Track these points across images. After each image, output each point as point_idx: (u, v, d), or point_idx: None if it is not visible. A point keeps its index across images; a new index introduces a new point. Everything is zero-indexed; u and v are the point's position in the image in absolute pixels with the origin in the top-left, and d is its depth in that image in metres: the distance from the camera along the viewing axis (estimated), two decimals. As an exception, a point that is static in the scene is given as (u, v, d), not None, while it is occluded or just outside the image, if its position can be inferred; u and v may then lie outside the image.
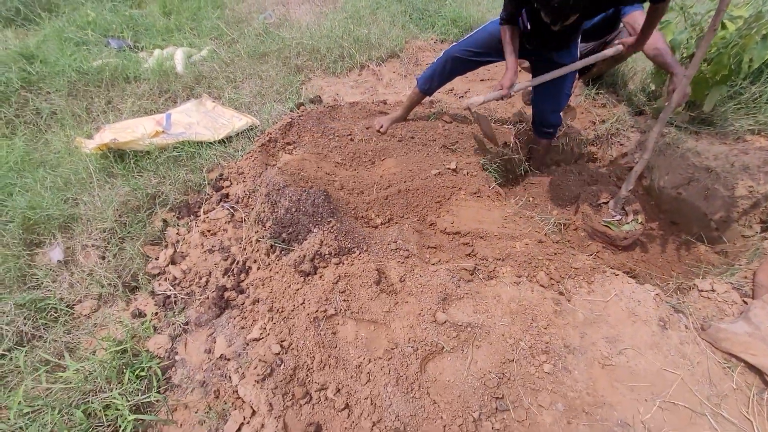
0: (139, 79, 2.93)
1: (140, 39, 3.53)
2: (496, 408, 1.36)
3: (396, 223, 1.99)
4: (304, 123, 2.53)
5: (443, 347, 1.47)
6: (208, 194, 2.13)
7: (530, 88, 2.43)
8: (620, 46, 2.05)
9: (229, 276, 1.81)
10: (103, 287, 1.71)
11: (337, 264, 1.71)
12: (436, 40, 3.71)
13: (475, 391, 1.37)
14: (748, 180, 2.22)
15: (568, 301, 1.61)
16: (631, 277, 1.95)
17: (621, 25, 2.48)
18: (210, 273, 1.82)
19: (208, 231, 1.97)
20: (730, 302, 1.60)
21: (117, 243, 1.85)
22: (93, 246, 1.82)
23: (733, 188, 2.25)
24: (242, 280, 1.80)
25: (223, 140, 2.41)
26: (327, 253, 1.74)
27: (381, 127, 2.48)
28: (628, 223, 2.20)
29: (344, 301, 1.57)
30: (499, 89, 2.12)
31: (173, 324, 1.60)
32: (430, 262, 1.80)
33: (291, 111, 2.70)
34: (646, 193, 2.63)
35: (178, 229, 1.98)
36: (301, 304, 1.59)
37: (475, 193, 2.12)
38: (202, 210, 2.06)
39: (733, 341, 1.45)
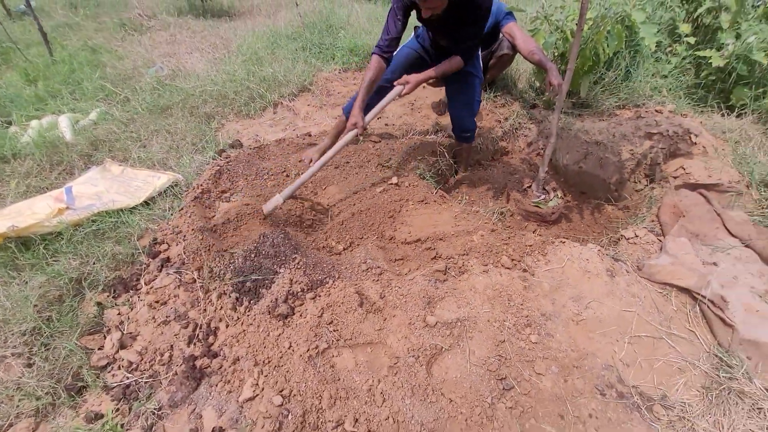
0: (19, 156, 2.58)
1: (6, 113, 3.12)
2: (503, 388, 1.46)
3: (358, 245, 2.03)
4: (234, 168, 2.47)
5: (442, 347, 1.54)
6: (145, 263, 1.95)
7: (445, 100, 2.73)
8: (399, 88, 2.33)
9: (195, 343, 1.66)
10: (39, 399, 1.45)
11: (314, 298, 1.70)
12: (340, 70, 3.92)
13: (482, 378, 1.47)
14: (628, 145, 2.73)
15: (532, 275, 1.81)
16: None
17: (501, 35, 2.95)
18: (171, 346, 1.65)
19: (157, 302, 1.80)
20: (650, 242, 1.95)
21: (45, 343, 1.59)
22: (14, 355, 1.54)
23: (619, 154, 2.75)
24: (212, 344, 1.67)
25: (146, 203, 2.23)
26: (300, 290, 1.72)
27: (311, 161, 2.54)
28: (551, 200, 2.54)
29: (334, 331, 1.56)
30: (351, 130, 2.30)
31: (143, 414, 1.42)
32: (402, 274, 1.87)
33: (214, 159, 2.61)
34: (555, 172, 3.07)
35: (118, 310, 1.78)
36: (289, 348, 1.54)
37: (422, 201, 2.27)
38: (142, 281, 1.88)
39: (662, 272, 1.76)
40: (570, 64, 2.05)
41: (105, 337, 1.66)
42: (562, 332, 1.59)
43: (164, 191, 2.32)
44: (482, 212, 2.31)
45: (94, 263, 1.87)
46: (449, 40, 2.23)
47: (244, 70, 3.56)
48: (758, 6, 2.88)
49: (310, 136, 2.91)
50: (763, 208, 2.17)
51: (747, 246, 1.91)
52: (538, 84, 3.31)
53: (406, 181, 2.40)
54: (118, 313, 1.74)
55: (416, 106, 3.36)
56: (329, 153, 2.15)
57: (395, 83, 2.29)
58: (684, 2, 3.24)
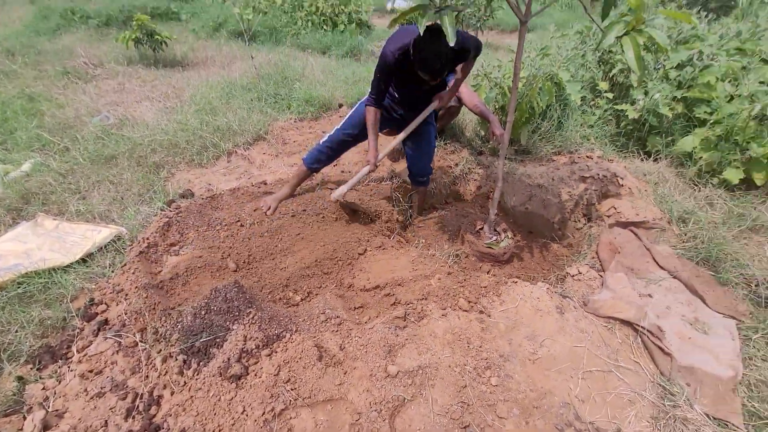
0: (-65, 213, 2.34)
1: None
2: (468, 437, 1.45)
3: (317, 294, 2.01)
4: (184, 219, 2.39)
5: (404, 398, 1.52)
6: (79, 327, 1.79)
7: (399, 148, 2.87)
8: (436, 102, 2.65)
9: (134, 416, 1.52)
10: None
11: (270, 354, 1.63)
12: (296, 119, 4.03)
13: (446, 428, 1.45)
14: (566, 187, 2.98)
15: (489, 316, 1.87)
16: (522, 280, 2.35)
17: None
18: (106, 422, 1.50)
19: (91, 371, 1.65)
20: (592, 278, 2.10)
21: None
22: None
23: (559, 195, 3.00)
24: (154, 415, 1.54)
25: (83, 260, 2.08)
26: (254, 347, 1.65)
27: (269, 208, 2.53)
28: (503, 240, 2.68)
29: (292, 390, 1.50)
30: (366, 166, 2.54)
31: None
32: (362, 322, 1.86)
33: (162, 210, 2.52)
34: (504, 213, 3.26)
35: (43, 384, 1.60)
36: (242, 413, 1.45)
37: (380, 247, 2.31)
38: (74, 348, 1.71)
39: (605, 307, 1.89)
40: (509, 117, 2.27)
41: (26, 418, 1.46)
42: (521, 372, 1.63)
43: (105, 246, 2.18)
44: (438, 255, 2.38)
45: (16, 331, 1.68)
46: (430, 93, 2.57)
47: (197, 120, 3.55)
48: (659, 69, 3.37)
49: (265, 184, 2.91)
50: (683, 241, 2.43)
51: (674, 277, 2.11)
52: (483, 133, 3.61)
53: (363, 228, 2.44)
54: (43, 388, 1.55)
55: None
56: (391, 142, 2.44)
57: (433, 98, 2.61)
58: (600, 63, 3.73)
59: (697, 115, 3.17)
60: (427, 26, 1.88)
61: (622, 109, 3.44)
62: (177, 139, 3.25)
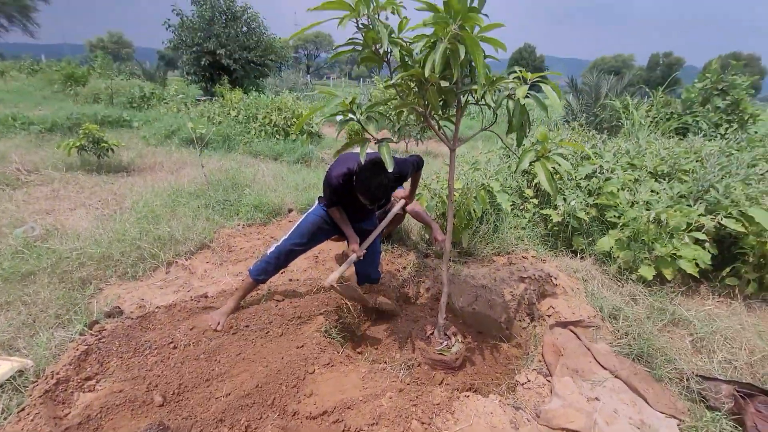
0: None
1: None
2: None
3: (256, 428, 1.82)
4: (106, 345, 2.16)
5: None
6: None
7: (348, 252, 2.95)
8: (402, 201, 3.04)
9: None
10: None
11: None
12: (244, 225, 4.05)
13: None
14: (508, 288, 3.15)
15: (444, 439, 1.78)
16: (474, 392, 2.31)
17: (393, 198, 3.47)
18: None
19: None
20: (542, 385, 2.12)
21: None
22: None
23: (503, 295, 3.14)
24: None
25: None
26: None
27: (218, 324, 2.38)
28: (453, 345, 2.68)
29: None
30: (352, 255, 2.65)
31: None
32: (307, 460, 1.68)
33: (82, 334, 2.28)
34: (453, 314, 3.31)
35: None
36: None
37: (327, 365, 2.21)
38: None
39: (557, 417, 1.89)
40: (448, 226, 2.46)
41: None
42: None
43: (2, 386, 1.87)
44: (389, 368, 2.31)
45: None
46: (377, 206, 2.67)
47: (136, 229, 3.43)
48: (571, 180, 3.90)
49: (206, 297, 2.76)
50: (617, 338, 2.58)
51: (615, 376, 2.19)
52: (428, 236, 3.84)
53: (310, 343, 2.34)
54: None
55: (320, 258, 3.52)
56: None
57: (395, 196, 2.80)
58: (524, 174, 4.27)
59: (608, 219, 3.62)
60: (368, 157, 2.11)
61: (547, 214, 3.88)
62: (111, 251, 3.08)
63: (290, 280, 3.14)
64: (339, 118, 1.88)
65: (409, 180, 2.82)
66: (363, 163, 1.99)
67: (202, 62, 14.33)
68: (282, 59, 17.23)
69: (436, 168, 6.19)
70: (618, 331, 2.62)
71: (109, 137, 5.86)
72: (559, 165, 2.17)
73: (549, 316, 2.85)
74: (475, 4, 1.84)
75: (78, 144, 5.29)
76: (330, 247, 3.72)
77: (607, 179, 3.94)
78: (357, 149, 2.10)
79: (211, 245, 3.50)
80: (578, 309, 2.79)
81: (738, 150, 4.45)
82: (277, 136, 8.16)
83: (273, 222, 4.14)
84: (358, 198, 2.32)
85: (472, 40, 1.72)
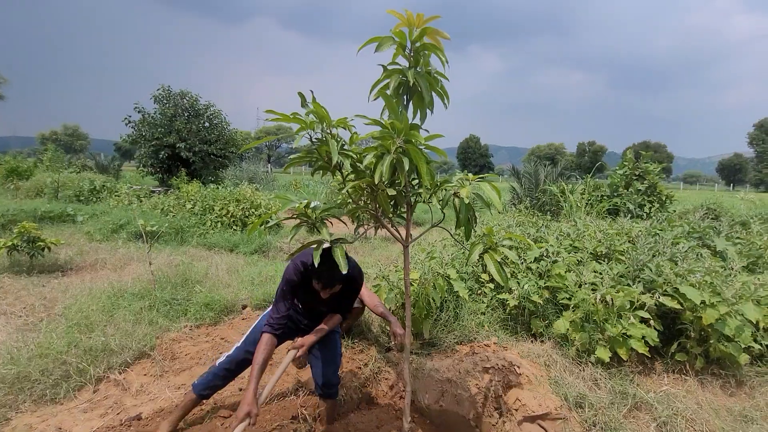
0: None
1: None
2: None
3: None
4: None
5: None
6: None
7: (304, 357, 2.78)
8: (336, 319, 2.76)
9: None
10: None
11: None
12: (192, 327, 3.76)
13: None
14: (473, 380, 3.05)
15: None
16: None
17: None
18: None
19: None
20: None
21: None
22: None
23: (469, 389, 3.03)
24: None
25: None
26: None
27: None
28: (422, 454, 2.46)
29: None
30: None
31: None
32: None
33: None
34: (420, 414, 3.10)
35: None
36: None
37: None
38: None
39: None
40: (407, 321, 2.45)
41: None
42: None
43: None
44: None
45: None
46: (331, 308, 2.63)
47: (64, 340, 3.08)
48: (522, 263, 4.09)
49: (139, 420, 2.43)
50: (586, 430, 2.51)
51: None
52: (389, 329, 3.77)
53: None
54: None
55: (275, 361, 3.28)
56: None
57: (289, 348, 2.52)
58: (479, 258, 4.42)
59: (560, 301, 3.75)
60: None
61: (504, 298, 3.98)
62: (29, 369, 2.70)
63: (240, 389, 2.87)
64: (292, 221, 1.93)
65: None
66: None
67: (161, 155, 14.46)
68: (242, 151, 17.91)
69: (394, 256, 6.35)
70: (586, 421, 2.57)
71: (48, 234, 5.50)
72: (506, 257, 2.32)
73: (516, 410, 2.76)
74: (417, 120, 2.12)
75: (9, 244, 4.90)
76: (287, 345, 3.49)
77: (554, 262, 4.16)
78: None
79: (151, 353, 3.18)
80: (544, 399, 2.74)
81: (661, 229, 4.96)
82: (235, 227, 8.11)
83: (224, 321, 3.89)
84: (315, 293, 2.36)
85: (415, 152, 1.91)
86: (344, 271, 1.94)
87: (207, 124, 15.97)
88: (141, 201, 9.82)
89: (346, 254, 2.21)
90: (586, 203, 8.59)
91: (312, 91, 1.98)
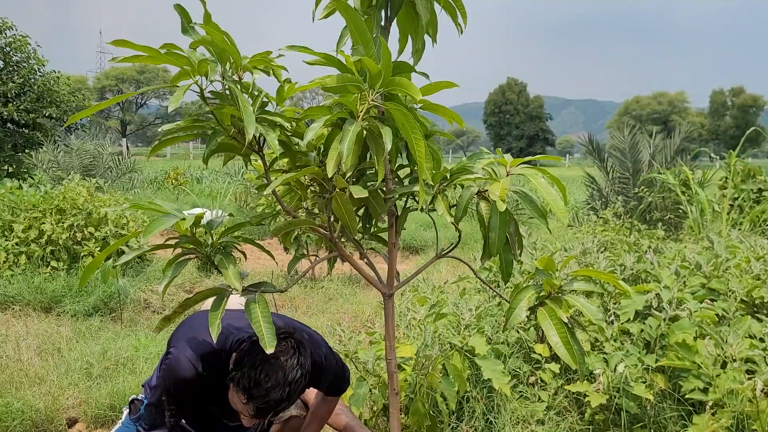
0: None
1: None
2: None
3: None
4: None
5: None
6: None
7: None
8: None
9: None
10: None
11: None
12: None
13: None
14: None
15: None
16: None
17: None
18: None
19: None
20: None
21: None
22: None
23: None
24: None
25: None
26: None
27: None
28: None
29: None
30: None
31: None
32: None
33: None
34: None
35: None
36: None
37: None
38: None
39: None
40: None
41: None
42: None
43: None
44: None
45: None
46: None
47: None
48: (612, 322, 2.81)
49: None
50: None
51: None
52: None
53: None
54: None
55: None
56: None
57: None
58: (530, 316, 2.53)
59: (688, 395, 2.64)
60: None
61: (581, 392, 2.72)
62: None
63: None
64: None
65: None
66: (243, 339, 1.49)
67: None
68: (70, 112, 11.89)
69: (368, 312, 4.09)
70: None
71: None
72: (580, 313, 1.57)
73: None
74: (408, 58, 1.42)
75: None
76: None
77: (674, 319, 2.78)
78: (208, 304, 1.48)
79: None
80: None
81: None
82: (55, 264, 5.41)
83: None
84: (223, 409, 1.60)
85: (404, 116, 1.23)
86: (269, 351, 1.18)
87: (-2, 62, 12.83)
88: None
89: (298, 327, 1.53)
90: (731, 205, 6.22)
91: (204, 2, 1.21)
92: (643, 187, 6.59)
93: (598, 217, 6.02)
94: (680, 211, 6.13)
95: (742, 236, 4.41)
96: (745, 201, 5.89)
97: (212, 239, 1.29)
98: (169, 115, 1.35)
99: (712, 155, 7.83)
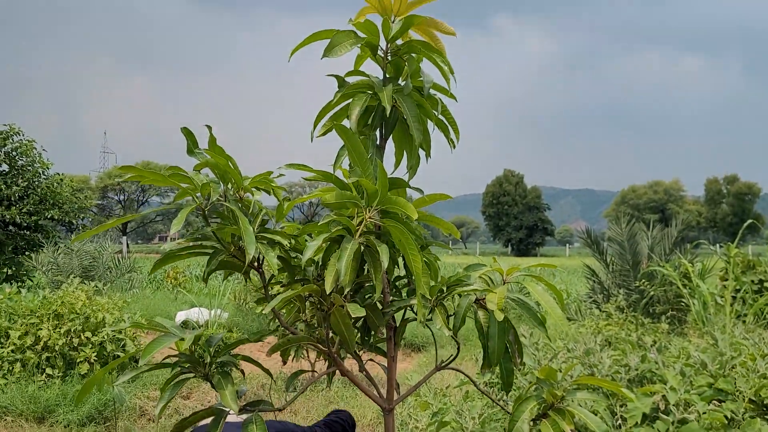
0: None
1: None
2: None
3: None
4: None
5: None
6: None
7: None
8: None
9: None
10: None
11: None
12: None
13: None
14: None
15: None
16: None
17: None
18: None
19: None
20: None
21: None
22: None
23: None
24: None
25: None
26: None
27: None
28: None
29: None
30: None
31: None
32: None
33: None
34: None
35: None
36: None
37: None
38: None
39: None
40: None
41: None
42: None
43: None
44: None
45: None
46: None
47: None
48: (619, 425, 3.09)
49: None
50: None
51: None
52: None
53: None
54: None
55: None
56: None
57: None
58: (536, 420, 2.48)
59: None
60: None
61: None
62: None
63: None
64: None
65: None
66: None
67: None
68: (74, 214, 11.15)
69: (368, 419, 3.85)
70: None
71: None
72: (585, 426, 1.52)
73: None
74: (403, 174, 1.51)
75: None
76: None
77: (682, 422, 2.63)
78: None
79: None
80: None
81: None
82: (50, 371, 5.28)
83: None
84: None
85: (400, 232, 1.25)
86: None
87: (4, 168, 10.70)
88: None
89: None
90: (733, 297, 5.82)
91: (209, 127, 1.28)
92: (644, 281, 6.32)
93: (600, 310, 5.73)
94: (683, 303, 5.80)
95: (746, 330, 4.17)
96: (747, 293, 5.55)
97: (208, 357, 1.25)
98: (170, 212, 1.45)
99: (711, 247, 7.68)
